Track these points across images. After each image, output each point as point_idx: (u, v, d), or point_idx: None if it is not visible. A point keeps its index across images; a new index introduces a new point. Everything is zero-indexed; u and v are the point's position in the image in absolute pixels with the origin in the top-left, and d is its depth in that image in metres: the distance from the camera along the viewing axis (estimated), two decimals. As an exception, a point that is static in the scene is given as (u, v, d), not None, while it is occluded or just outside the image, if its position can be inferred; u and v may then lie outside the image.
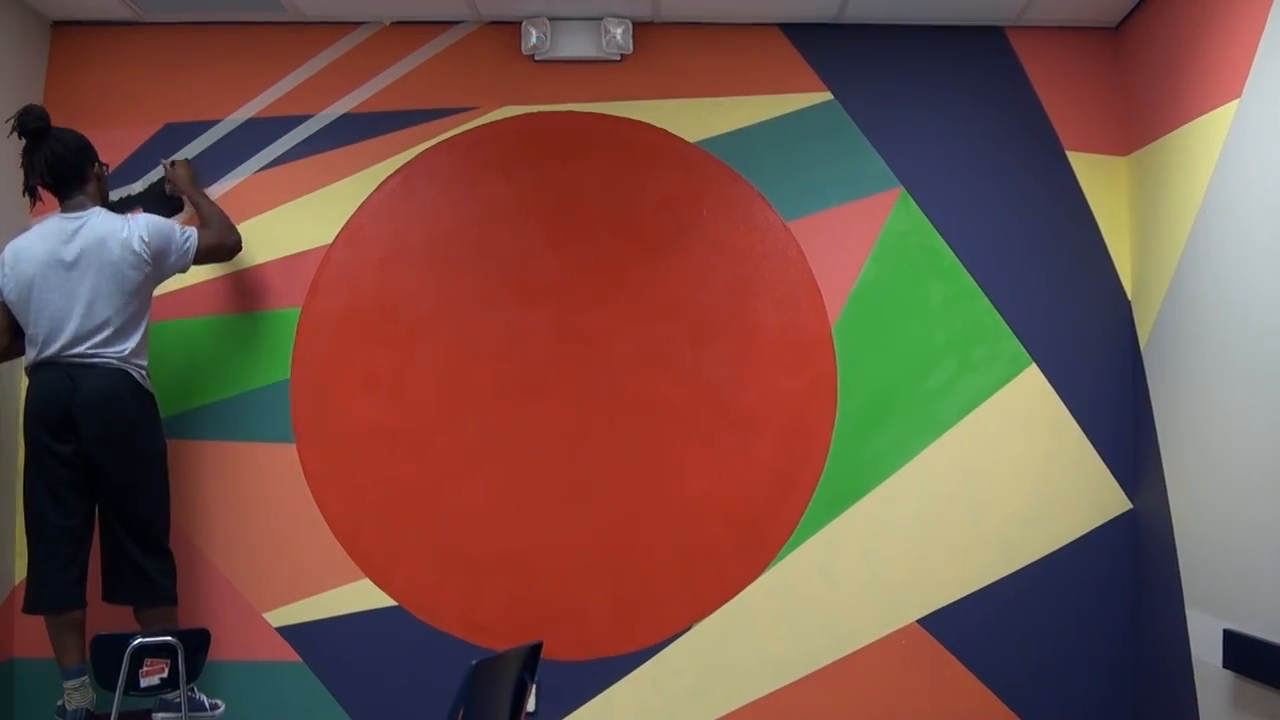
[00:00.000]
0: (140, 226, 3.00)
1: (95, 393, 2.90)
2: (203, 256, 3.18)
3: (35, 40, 3.50)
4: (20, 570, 3.34)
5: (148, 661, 2.79)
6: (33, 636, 3.28)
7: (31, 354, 2.98)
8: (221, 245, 3.24)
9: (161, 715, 2.94)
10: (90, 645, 2.79)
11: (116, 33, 3.54)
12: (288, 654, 3.34)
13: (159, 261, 3.03)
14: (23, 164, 3.00)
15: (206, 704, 3.03)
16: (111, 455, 2.92)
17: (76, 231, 2.95)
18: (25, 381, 3.38)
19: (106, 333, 2.93)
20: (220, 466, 3.39)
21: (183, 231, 3.11)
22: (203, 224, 3.25)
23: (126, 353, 2.96)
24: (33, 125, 2.94)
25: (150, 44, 3.54)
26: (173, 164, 3.42)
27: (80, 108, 3.46)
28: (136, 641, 2.73)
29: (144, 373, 3.02)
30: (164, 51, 3.53)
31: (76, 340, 2.91)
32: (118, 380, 2.94)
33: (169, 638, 2.78)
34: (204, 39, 3.53)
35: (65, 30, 3.56)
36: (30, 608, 2.98)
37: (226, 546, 3.37)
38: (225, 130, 3.51)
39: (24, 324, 2.99)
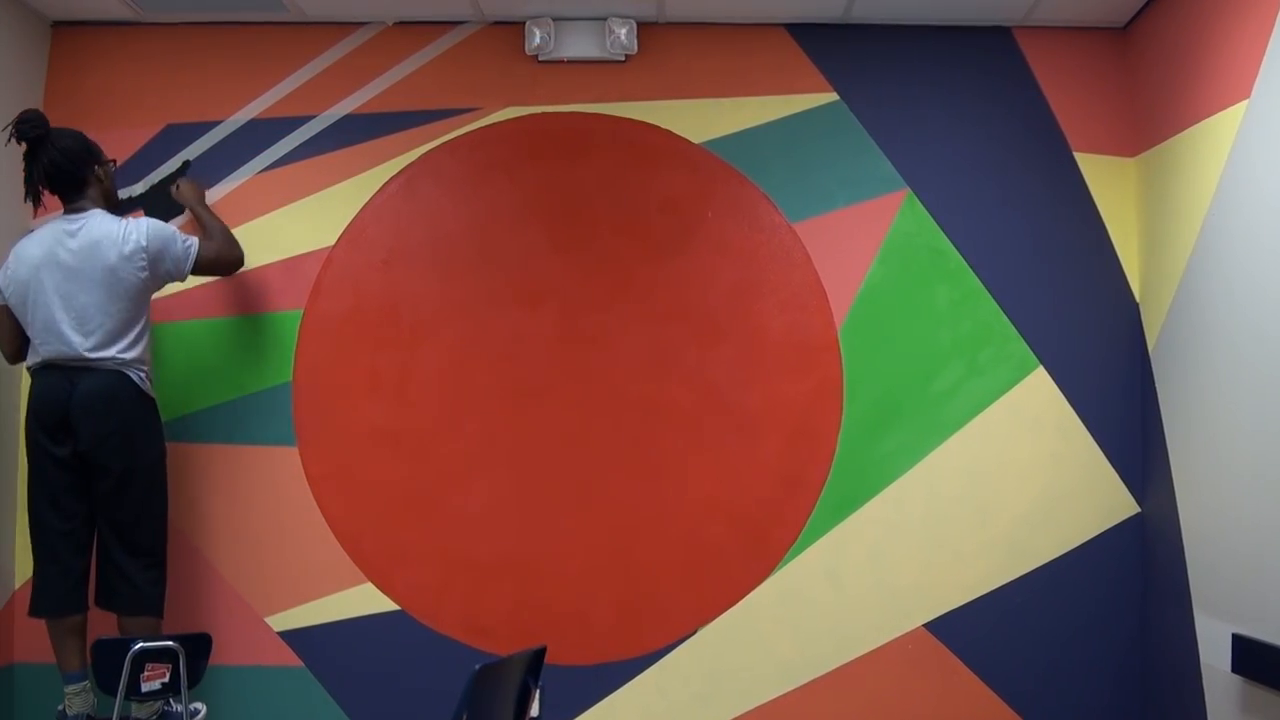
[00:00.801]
0: (140, 230, 3.01)
1: (92, 393, 2.91)
2: (203, 268, 3.17)
3: (35, 40, 3.52)
4: (20, 575, 3.37)
5: (149, 666, 2.80)
6: (33, 641, 3.29)
7: (33, 358, 3.01)
8: (222, 259, 3.24)
9: None
10: (91, 650, 2.81)
11: (117, 33, 3.56)
12: (290, 659, 3.35)
13: (156, 266, 3.03)
14: (24, 169, 3.02)
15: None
16: (105, 456, 2.93)
17: (73, 234, 2.96)
18: (23, 385, 3.43)
19: (104, 335, 2.94)
20: (222, 470, 3.41)
21: (184, 239, 3.10)
22: (205, 237, 3.24)
23: (126, 355, 2.97)
24: (30, 134, 2.96)
25: (151, 44, 3.56)
26: (177, 186, 3.43)
27: (81, 108, 3.48)
28: (138, 646, 2.75)
29: (143, 375, 3.03)
30: (165, 52, 3.55)
31: (74, 343, 2.92)
32: (116, 382, 2.95)
33: (170, 642, 2.81)
34: (205, 39, 3.55)
35: (65, 30, 3.57)
36: (32, 611, 3.00)
37: (228, 550, 3.38)
38: (227, 131, 3.52)
39: (25, 327, 3.01)
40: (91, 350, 2.93)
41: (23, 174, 3.02)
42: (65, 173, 2.99)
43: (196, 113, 3.53)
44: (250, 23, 3.55)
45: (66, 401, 2.91)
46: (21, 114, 2.97)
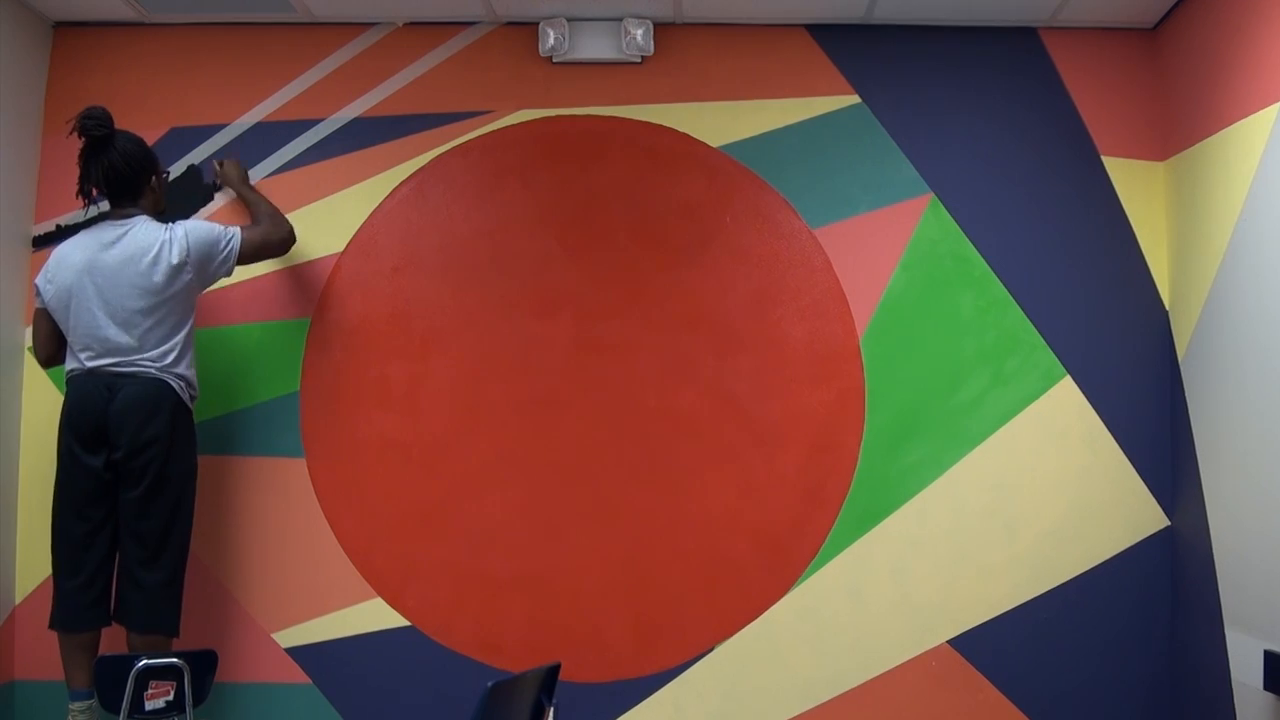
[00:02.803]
0: (181, 235, 3.04)
1: (132, 400, 2.94)
2: (249, 255, 3.19)
3: (36, 42, 3.54)
4: (20, 591, 3.39)
5: (153, 684, 2.82)
6: (34, 658, 3.33)
7: (71, 363, 3.03)
8: (269, 242, 3.24)
9: None
10: (93, 666, 2.83)
11: (120, 34, 3.59)
12: (298, 675, 3.38)
13: (202, 269, 3.07)
14: (80, 164, 3.03)
15: None
16: (140, 464, 2.94)
17: (117, 240, 3.00)
18: (24, 398, 3.45)
19: (145, 342, 2.98)
20: (228, 482, 3.43)
21: (225, 233, 3.13)
22: (252, 220, 3.29)
23: (168, 362, 3.00)
24: (95, 132, 2.98)
25: (155, 45, 3.58)
26: (221, 164, 3.46)
27: (83, 111, 3.51)
28: (142, 663, 2.77)
29: (184, 384, 3.06)
30: (169, 53, 3.57)
31: (115, 350, 2.96)
32: (158, 390, 2.98)
33: (175, 659, 2.83)
34: (211, 40, 3.58)
35: (67, 31, 3.60)
36: (53, 624, 3.01)
37: (234, 565, 3.41)
38: (233, 134, 3.55)
39: (65, 332, 3.04)
40: (134, 357, 2.96)
41: (79, 168, 3.03)
42: (124, 177, 3.04)
43: (202, 116, 3.55)
44: (257, 23, 3.57)
45: (105, 409, 2.93)
46: (88, 109, 2.98)
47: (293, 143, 3.54)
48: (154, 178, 3.14)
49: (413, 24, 3.59)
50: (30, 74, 3.51)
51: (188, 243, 3.04)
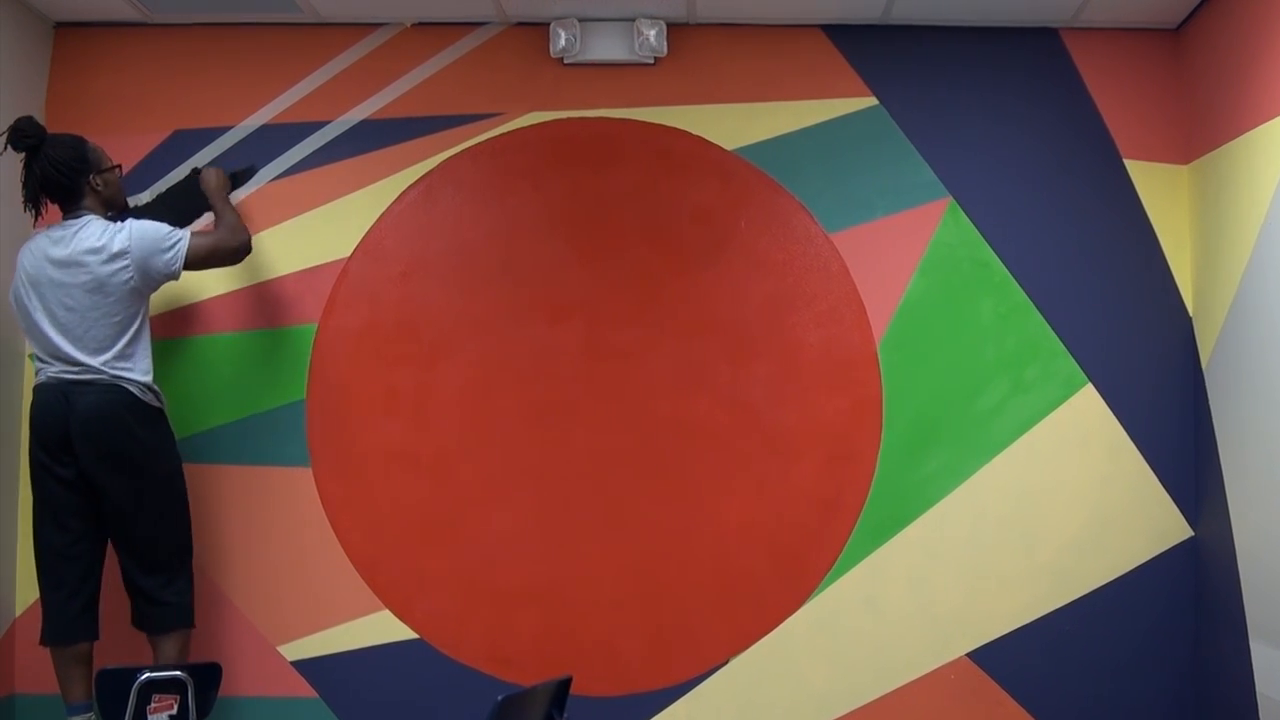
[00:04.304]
0: (123, 235, 3.01)
1: (90, 411, 2.94)
2: (197, 261, 3.12)
3: (37, 43, 3.54)
4: (20, 604, 3.40)
5: (156, 697, 2.82)
6: (33, 671, 3.33)
7: (37, 367, 3.05)
8: (219, 249, 3.16)
9: None
10: (95, 680, 2.84)
11: (123, 34, 3.59)
12: (304, 689, 3.38)
13: (144, 265, 3.02)
14: (22, 177, 3.05)
15: None
16: (111, 476, 2.95)
17: (60, 242, 3.00)
18: (24, 407, 3.44)
19: (97, 346, 2.97)
20: (233, 492, 3.44)
21: (169, 235, 3.07)
22: (215, 228, 3.27)
23: (121, 365, 3.00)
24: (24, 144, 2.99)
25: (158, 46, 3.59)
26: (199, 170, 3.42)
27: (85, 113, 3.52)
28: (144, 676, 2.77)
29: (144, 387, 3.04)
30: (173, 54, 3.58)
31: (68, 357, 2.96)
32: (114, 397, 2.98)
33: (178, 672, 2.83)
34: (215, 41, 3.58)
35: (69, 32, 3.60)
36: (43, 639, 3.02)
37: (239, 576, 3.41)
38: (237, 137, 3.55)
39: (25, 335, 3.07)
40: (87, 362, 2.95)
41: (21, 182, 3.05)
42: (57, 184, 3.02)
43: (206, 118, 3.56)
44: (262, 24, 3.58)
45: (65, 420, 2.94)
46: (16, 122, 3.00)
47: (299, 145, 3.55)
48: (94, 176, 3.08)
49: (421, 24, 3.59)
50: (31, 75, 3.52)
51: (130, 236, 3.01)
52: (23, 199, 3.07)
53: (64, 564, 2.99)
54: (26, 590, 3.39)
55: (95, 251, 2.98)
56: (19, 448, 3.42)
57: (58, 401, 2.95)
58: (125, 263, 3.00)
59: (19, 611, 3.40)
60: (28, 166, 3.02)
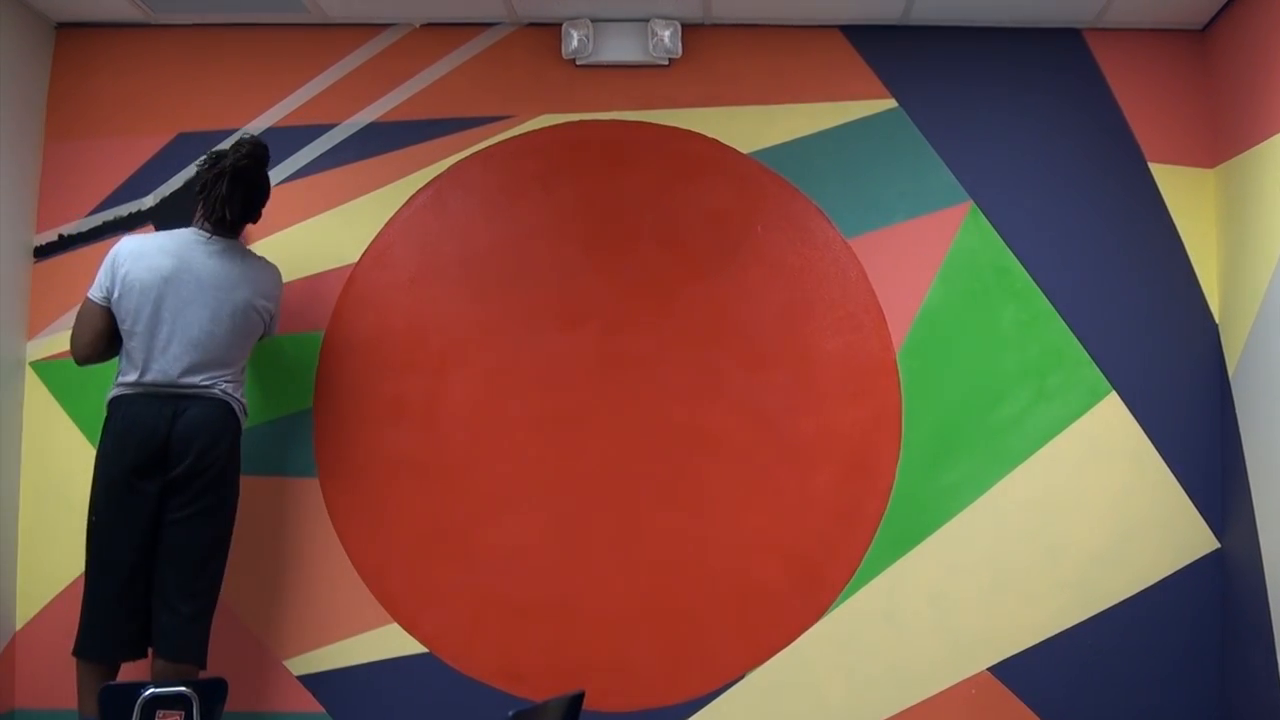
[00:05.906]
0: (278, 285, 3.22)
1: (198, 420, 2.96)
2: None
3: (38, 43, 3.54)
4: (21, 617, 3.40)
5: (160, 713, 2.80)
6: (35, 686, 3.33)
7: (130, 374, 2.99)
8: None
9: None
10: (99, 696, 2.83)
11: (125, 35, 3.59)
12: (310, 705, 3.38)
13: (271, 325, 3.23)
14: (204, 190, 3.04)
15: None
16: (199, 486, 2.96)
17: (215, 255, 3.06)
18: (24, 417, 3.45)
19: (219, 364, 3.02)
20: (238, 502, 3.44)
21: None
22: None
23: (232, 388, 3.06)
24: (247, 164, 3.05)
25: (162, 47, 3.59)
26: None
27: (86, 115, 3.53)
28: (148, 692, 2.77)
29: (242, 410, 3.12)
30: (177, 55, 3.58)
31: (192, 368, 2.98)
32: (224, 412, 3.03)
33: (183, 688, 2.83)
34: (220, 42, 3.59)
35: (70, 32, 3.60)
36: (80, 651, 2.97)
37: (244, 589, 3.40)
38: (242, 140, 3.57)
39: (128, 335, 3.01)
40: (207, 377, 2.99)
41: (205, 191, 3.04)
42: (258, 206, 3.16)
43: (210, 120, 3.56)
44: (268, 24, 3.58)
45: (168, 430, 2.93)
46: (239, 142, 3.07)
47: (305, 149, 3.55)
48: None
49: (431, 25, 3.59)
50: (31, 77, 3.52)
51: (279, 292, 3.23)
52: (205, 211, 3.07)
53: (131, 585, 2.95)
54: (27, 604, 3.40)
55: (254, 286, 3.12)
56: (19, 459, 3.42)
57: (161, 411, 2.95)
58: (270, 313, 3.19)
59: (20, 625, 3.39)
60: (235, 182, 3.02)
